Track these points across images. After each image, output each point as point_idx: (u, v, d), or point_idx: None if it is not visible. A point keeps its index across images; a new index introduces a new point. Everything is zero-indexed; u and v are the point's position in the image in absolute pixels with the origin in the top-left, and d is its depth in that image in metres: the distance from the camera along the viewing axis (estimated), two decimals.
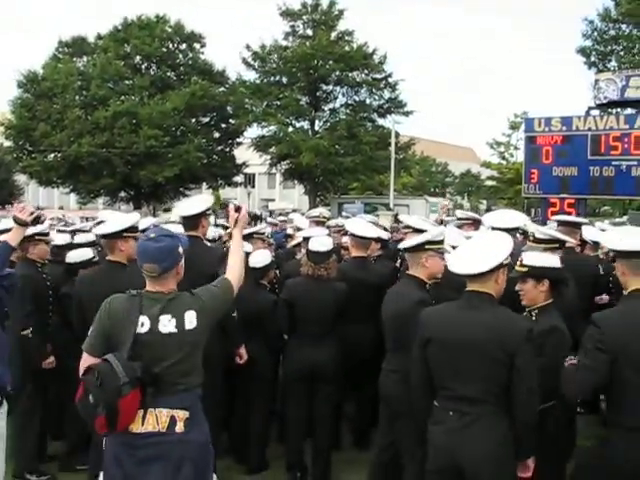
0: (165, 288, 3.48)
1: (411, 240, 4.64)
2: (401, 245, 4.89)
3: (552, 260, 4.40)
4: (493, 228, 5.78)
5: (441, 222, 7.81)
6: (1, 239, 4.34)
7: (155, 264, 3.42)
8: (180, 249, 3.53)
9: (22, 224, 4.30)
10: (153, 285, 3.48)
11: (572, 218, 7.20)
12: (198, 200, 5.78)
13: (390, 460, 4.73)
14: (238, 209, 4.07)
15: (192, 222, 5.48)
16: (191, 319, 3.46)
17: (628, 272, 3.73)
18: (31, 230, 5.16)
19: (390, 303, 4.61)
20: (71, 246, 6.45)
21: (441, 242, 4.50)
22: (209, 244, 5.95)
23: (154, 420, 3.37)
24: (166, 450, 3.37)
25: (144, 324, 3.38)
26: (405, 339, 4.20)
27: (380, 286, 5.40)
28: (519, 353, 3.49)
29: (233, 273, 3.83)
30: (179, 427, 3.38)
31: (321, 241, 5.63)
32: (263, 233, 6.82)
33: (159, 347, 3.38)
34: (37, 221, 4.39)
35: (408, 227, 5.95)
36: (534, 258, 4.37)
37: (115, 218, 5.47)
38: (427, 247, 4.44)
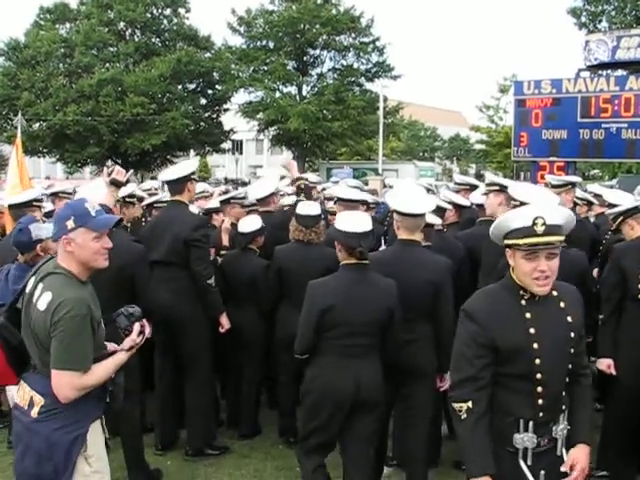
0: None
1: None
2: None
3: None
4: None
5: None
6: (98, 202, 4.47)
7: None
8: (68, 222, 3.13)
9: (119, 185, 4.64)
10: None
11: (568, 178, 7.18)
12: (182, 165, 5.79)
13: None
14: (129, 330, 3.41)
15: (177, 187, 5.52)
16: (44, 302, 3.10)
17: None
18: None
19: (418, 270, 4.43)
20: None
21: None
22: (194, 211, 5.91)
23: (22, 394, 3.20)
24: (20, 430, 3.20)
25: (26, 293, 3.21)
26: (432, 306, 4.42)
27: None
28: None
29: (91, 374, 3.13)
30: (33, 412, 3.12)
31: (309, 205, 5.59)
32: (242, 198, 6.76)
33: (27, 319, 3.16)
34: (127, 181, 4.82)
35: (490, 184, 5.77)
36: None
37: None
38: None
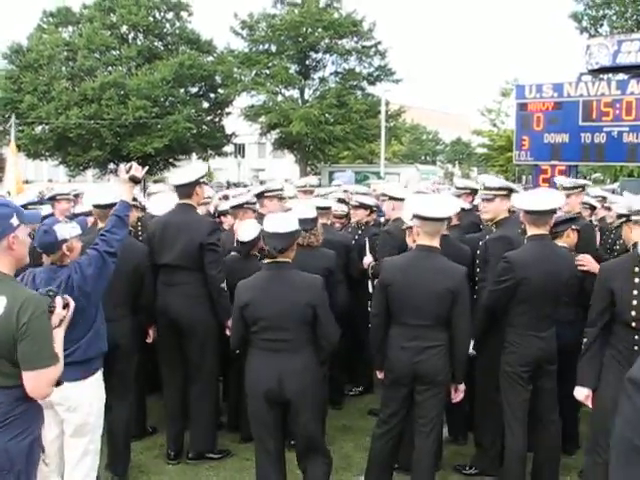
0: None
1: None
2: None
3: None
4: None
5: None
6: (115, 198, 4.72)
7: None
8: (12, 219, 3.09)
9: (138, 182, 4.70)
10: None
11: (579, 181, 7.22)
12: (191, 169, 5.88)
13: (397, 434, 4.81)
14: None
15: (185, 190, 5.54)
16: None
17: None
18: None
19: (435, 277, 4.47)
20: None
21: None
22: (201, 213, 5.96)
23: None
24: None
25: None
26: (449, 313, 4.48)
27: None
28: None
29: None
30: None
31: (306, 208, 5.62)
32: (254, 203, 6.76)
33: None
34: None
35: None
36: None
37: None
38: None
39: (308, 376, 4.30)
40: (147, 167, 5.14)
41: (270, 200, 6.69)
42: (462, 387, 4.69)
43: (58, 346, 3.12)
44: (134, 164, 4.67)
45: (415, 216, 4.56)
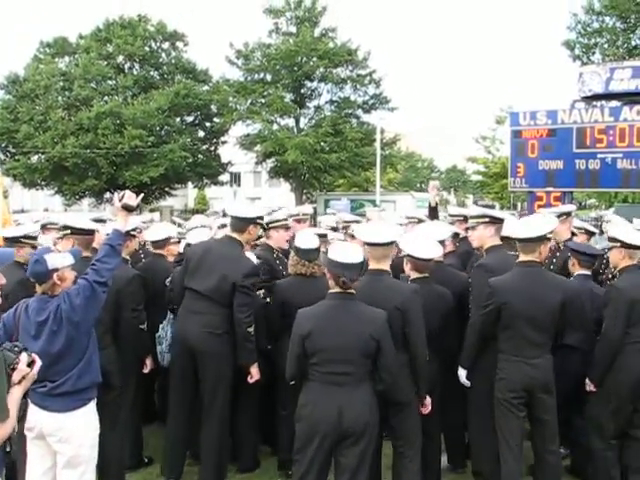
0: None
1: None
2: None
3: None
4: None
5: (436, 205, 7.75)
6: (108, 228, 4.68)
7: None
8: None
9: (131, 210, 4.54)
10: None
11: (561, 208, 7.26)
12: (253, 206, 6.04)
13: None
14: None
15: (240, 225, 5.51)
16: None
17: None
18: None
19: (387, 296, 4.56)
20: None
21: None
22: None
23: None
24: None
25: None
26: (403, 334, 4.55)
27: None
28: None
29: None
30: None
31: (309, 238, 5.59)
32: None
33: None
34: (138, 206, 4.74)
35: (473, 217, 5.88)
36: None
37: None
38: None
39: (368, 409, 4.20)
40: (142, 194, 5.08)
41: (276, 231, 6.62)
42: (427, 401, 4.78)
43: (13, 404, 2.96)
44: (127, 192, 4.58)
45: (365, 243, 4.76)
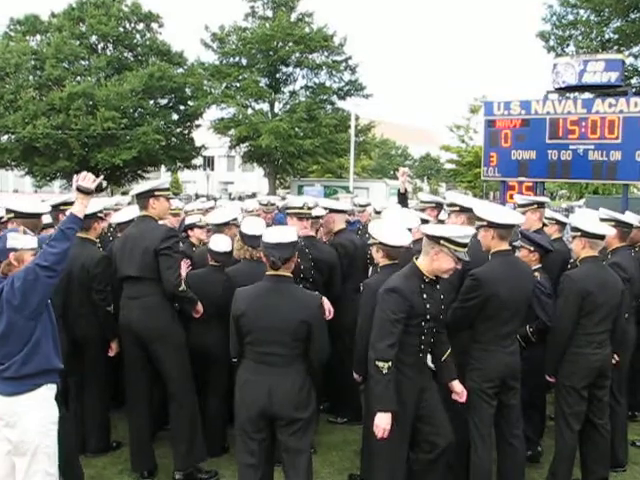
0: None
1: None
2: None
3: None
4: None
5: (405, 192, 7.35)
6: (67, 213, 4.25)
7: None
8: None
9: (87, 192, 4.19)
10: None
11: (534, 197, 7.31)
12: (152, 181, 5.86)
13: None
14: None
15: (141, 202, 5.55)
16: None
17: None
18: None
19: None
20: None
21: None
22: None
23: None
24: None
25: None
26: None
27: None
28: None
29: None
30: None
31: (255, 225, 5.67)
32: (235, 219, 6.78)
33: None
34: (99, 189, 4.35)
35: (452, 205, 5.80)
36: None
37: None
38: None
39: (297, 390, 4.24)
40: (102, 177, 4.76)
41: (230, 228, 6.57)
42: None
43: None
44: (83, 172, 4.32)
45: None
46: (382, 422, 4.25)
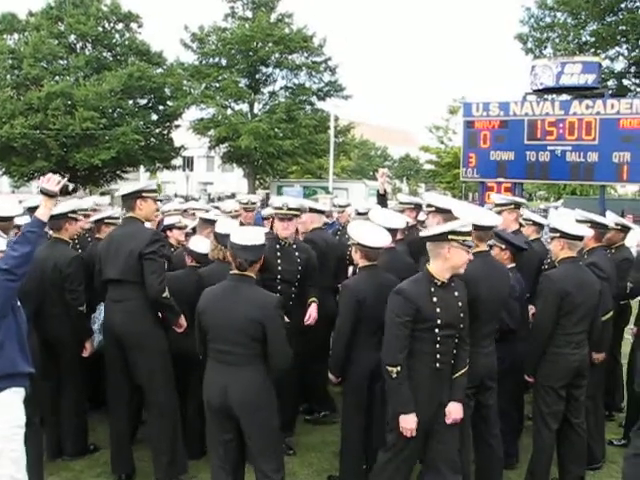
0: None
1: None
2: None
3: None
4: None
5: (384, 193, 7.22)
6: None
7: None
8: None
9: (51, 195, 4.05)
10: None
11: (512, 198, 7.34)
12: (139, 182, 5.77)
13: None
14: None
15: (127, 203, 5.54)
16: None
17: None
18: None
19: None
20: None
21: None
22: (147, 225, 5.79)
23: None
24: None
25: None
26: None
27: None
28: None
29: None
30: None
31: (228, 224, 5.64)
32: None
33: None
34: (66, 191, 4.15)
35: (429, 206, 5.69)
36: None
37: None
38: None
39: (254, 389, 4.25)
40: (66, 178, 4.58)
41: (206, 227, 6.58)
42: None
43: None
44: (48, 174, 4.21)
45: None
46: (407, 424, 4.25)
